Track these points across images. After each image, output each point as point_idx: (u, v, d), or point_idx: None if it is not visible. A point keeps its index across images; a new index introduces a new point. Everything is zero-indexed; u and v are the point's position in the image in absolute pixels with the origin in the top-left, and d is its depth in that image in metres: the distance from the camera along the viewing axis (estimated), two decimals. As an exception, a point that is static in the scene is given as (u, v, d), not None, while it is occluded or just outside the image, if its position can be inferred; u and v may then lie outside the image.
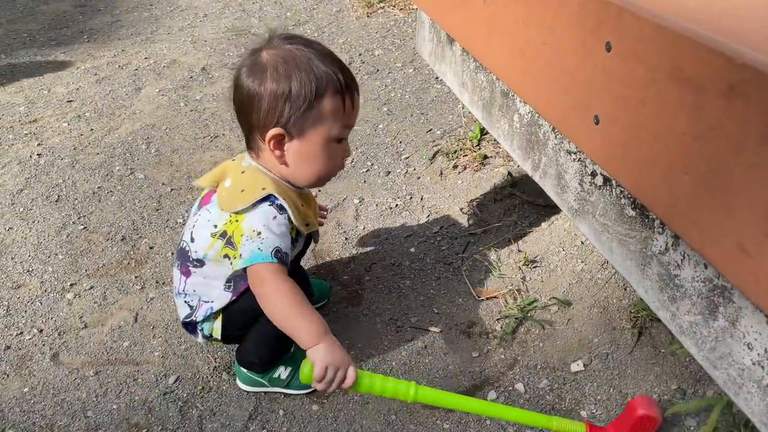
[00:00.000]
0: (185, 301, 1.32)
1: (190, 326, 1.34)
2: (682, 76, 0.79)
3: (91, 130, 2.62)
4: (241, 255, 1.13)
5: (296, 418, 1.35)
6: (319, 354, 1.05)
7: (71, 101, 2.91)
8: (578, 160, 1.14)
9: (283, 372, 1.38)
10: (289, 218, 1.17)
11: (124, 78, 3.15)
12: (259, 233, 1.12)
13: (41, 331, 1.58)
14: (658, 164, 0.86)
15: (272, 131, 1.13)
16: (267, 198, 1.16)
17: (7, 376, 1.46)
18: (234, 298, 1.25)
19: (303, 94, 1.11)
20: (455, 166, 2.19)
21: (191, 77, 3.13)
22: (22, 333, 1.58)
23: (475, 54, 1.49)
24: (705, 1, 0.91)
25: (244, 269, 1.14)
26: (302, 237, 1.30)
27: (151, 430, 1.33)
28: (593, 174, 1.09)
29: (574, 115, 1.06)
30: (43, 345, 1.54)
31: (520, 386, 1.40)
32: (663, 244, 0.93)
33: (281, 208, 1.16)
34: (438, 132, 2.47)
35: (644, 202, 0.92)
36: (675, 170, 0.83)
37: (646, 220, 0.96)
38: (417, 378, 1.44)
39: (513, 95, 1.37)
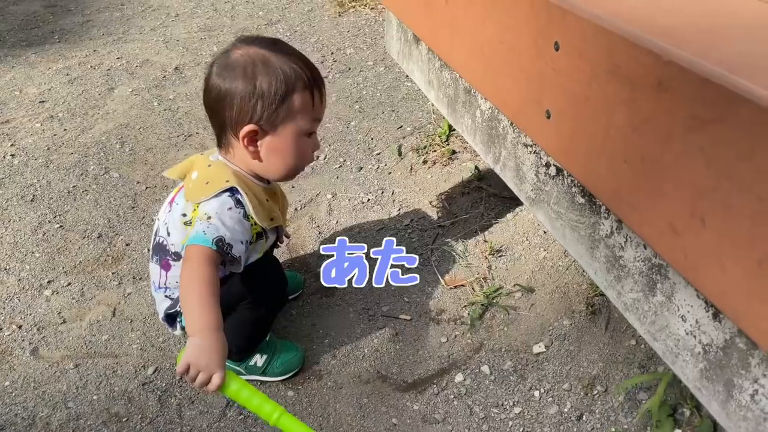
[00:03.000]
0: (166, 295, 1.37)
1: (170, 319, 1.39)
2: (620, 73, 0.86)
3: (65, 130, 2.63)
4: (188, 235, 1.17)
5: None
6: (189, 348, 1.04)
7: (43, 102, 2.91)
8: (534, 153, 1.21)
9: (258, 359, 1.43)
10: (246, 214, 1.21)
11: (96, 78, 3.16)
12: (209, 218, 1.16)
13: (20, 327, 1.61)
14: (602, 154, 0.94)
15: (246, 128, 1.17)
16: (229, 190, 1.20)
17: (-13, 371, 1.49)
18: None
19: (274, 92, 1.16)
20: (425, 162, 2.26)
21: (164, 77, 3.15)
22: (1, 329, 1.61)
23: (439, 53, 1.56)
24: (643, 2, 0.99)
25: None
26: (272, 231, 1.36)
27: (131, 418, 1.37)
28: (547, 165, 1.17)
29: (528, 110, 1.13)
30: (23, 340, 1.57)
31: (485, 368, 1.47)
32: (609, 228, 1.00)
33: (239, 203, 1.20)
34: (408, 128, 2.53)
35: (591, 190, 0.99)
36: (616, 160, 0.90)
37: (594, 207, 1.04)
38: (388, 364, 1.50)
39: (475, 92, 1.44)
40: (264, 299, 1.36)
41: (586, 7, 0.95)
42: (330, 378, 1.48)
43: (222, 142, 1.27)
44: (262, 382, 1.45)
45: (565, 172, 1.12)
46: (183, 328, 1.38)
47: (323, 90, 1.26)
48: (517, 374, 1.44)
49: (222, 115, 1.21)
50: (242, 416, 1.38)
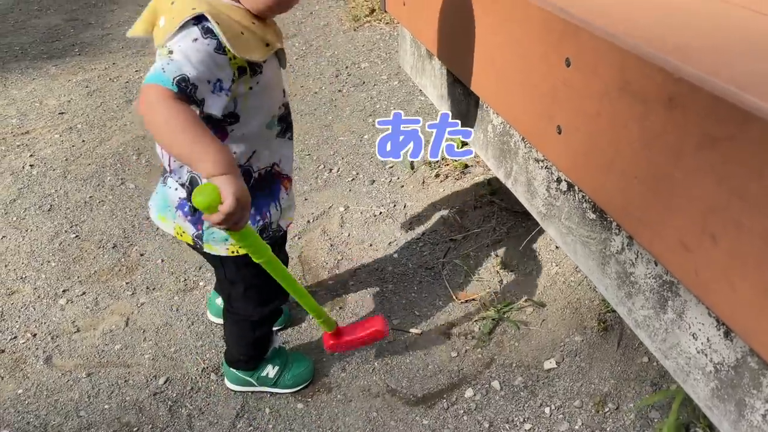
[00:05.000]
0: (176, 180, 1.17)
1: (182, 207, 1.20)
2: (631, 89, 0.86)
3: (83, 141, 2.68)
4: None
5: (282, 416, 1.41)
6: (230, 185, 0.89)
7: (63, 113, 2.96)
8: (545, 168, 1.21)
9: (271, 371, 1.44)
10: (220, 46, 0.97)
11: (115, 90, 3.21)
12: (171, 52, 0.94)
13: (35, 335, 1.63)
14: (613, 170, 0.94)
15: None
16: (195, 18, 0.96)
17: (2, 378, 1.51)
18: None
19: None
20: (437, 175, 2.26)
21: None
22: (16, 337, 1.63)
23: (451, 68, 1.57)
24: (655, 20, 0.99)
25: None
26: (271, 61, 1.11)
27: (141, 428, 1.38)
28: (558, 180, 1.17)
29: (540, 126, 1.14)
30: (37, 348, 1.59)
31: (496, 384, 1.46)
32: (620, 244, 1.00)
33: (208, 32, 0.96)
34: (421, 142, 2.54)
35: (602, 206, 0.99)
36: (627, 175, 0.90)
37: (605, 223, 1.03)
38: (398, 377, 1.50)
39: (487, 107, 1.45)
40: (266, 299, 1.32)
41: (599, 24, 0.95)
42: (340, 391, 1.48)
43: None
44: (271, 394, 1.45)
45: (576, 188, 1.11)
46: (192, 211, 1.19)
47: None
48: (528, 390, 1.43)
49: None
50: (251, 427, 1.38)
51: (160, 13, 1.03)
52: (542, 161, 1.22)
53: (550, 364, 1.48)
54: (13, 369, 1.53)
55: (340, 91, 3.11)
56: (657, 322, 0.93)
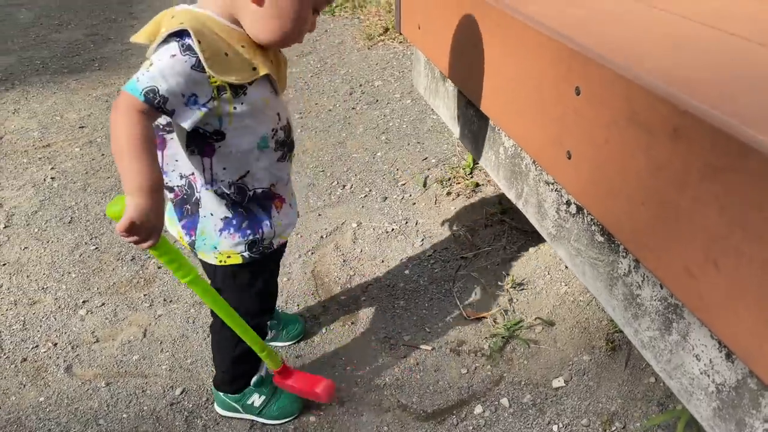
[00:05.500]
0: (166, 184, 1.21)
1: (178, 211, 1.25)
2: (638, 119, 0.90)
3: (102, 155, 2.74)
4: None
5: (294, 428, 1.44)
6: (132, 208, 0.94)
7: (83, 127, 3.04)
8: (555, 190, 1.25)
9: (257, 400, 1.44)
10: (199, 64, 0.98)
11: (133, 105, 3.27)
12: (151, 65, 0.97)
13: (55, 344, 1.68)
14: (620, 196, 0.97)
15: None
16: (177, 33, 0.99)
17: (24, 386, 1.55)
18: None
19: None
20: (449, 193, 2.30)
21: (198, 105, 3.26)
22: (37, 346, 1.67)
23: (466, 92, 1.61)
24: (663, 51, 1.03)
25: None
26: (261, 84, 1.10)
27: (158, 437, 1.42)
28: (568, 203, 1.20)
29: (550, 150, 1.18)
30: (57, 358, 1.64)
31: (505, 401, 1.49)
32: (627, 267, 1.03)
33: (188, 49, 0.97)
34: (433, 160, 2.58)
35: (610, 230, 1.02)
36: (634, 202, 0.94)
37: (613, 245, 1.07)
38: (409, 393, 1.53)
39: (498, 129, 1.49)
40: (251, 313, 1.31)
41: (608, 55, 0.99)
42: (351, 405, 1.51)
43: None
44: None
45: (585, 211, 1.15)
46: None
47: None
48: (536, 408, 1.46)
49: None
50: (265, 439, 1.42)
51: (162, 25, 1.05)
52: (552, 184, 1.26)
53: (558, 382, 1.50)
54: (35, 377, 1.58)
55: (353, 108, 3.17)
56: (662, 343, 0.96)
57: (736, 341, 0.76)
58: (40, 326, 1.74)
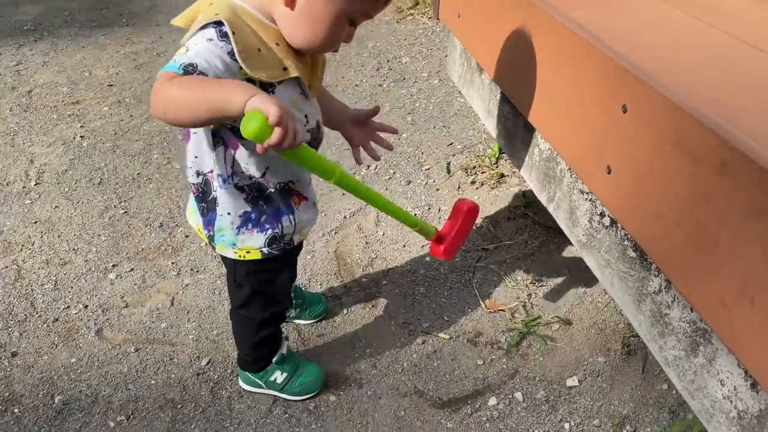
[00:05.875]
0: (189, 178, 1.22)
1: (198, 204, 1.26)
2: (685, 147, 0.92)
3: (131, 116, 2.76)
4: None
5: (315, 405, 1.50)
6: (266, 100, 0.84)
7: (111, 85, 3.05)
8: (589, 200, 1.27)
9: (279, 376, 1.49)
10: (232, 53, 0.96)
11: (161, 66, 3.28)
12: (187, 50, 0.95)
13: (86, 306, 1.73)
14: (658, 218, 0.99)
15: None
16: (215, 22, 0.97)
17: (56, 346, 1.61)
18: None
19: None
20: (473, 182, 2.32)
21: (226, 70, 3.27)
22: (68, 307, 1.73)
23: (503, 89, 1.62)
24: (715, 76, 1.04)
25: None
26: (290, 86, 1.09)
27: (185, 406, 1.48)
28: (602, 215, 1.23)
29: (589, 161, 1.19)
30: (88, 320, 1.69)
31: (519, 395, 1.54)
32: (657, 286, 1.06)
33: (225, 36, 0.96)
34: (458, 146, 2.60)
35: (644, 249, 1.05)
36: (672, 226, 0.96)
37: (645, 263, 1.09)
38: (425, 380, 1.58)
39: (535, 131, 1.50)
40: (269, 304, 1.36)
41: (657, 74, 1.00)
42: (370, 387, 1.56)
43: None
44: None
45: (619, 225, 1.17)
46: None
47: None
48: (549, 405, 1.50)
49: None
50: (287, 415, 1.47)
51: (200, 11, 1.04)
52: (587, 193, 1.28)
53: (572, 381, 1.55)
54: (67, 338, 1.63)
55: (380, 85, 3.17)
56: (687, 364, 0.99)
57: (763, 375, 0.79)
58: (71, 287, 1.80)
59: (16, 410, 1.44)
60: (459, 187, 2.31)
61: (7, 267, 1.85)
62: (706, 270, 0.89)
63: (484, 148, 2.55)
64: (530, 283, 1.85)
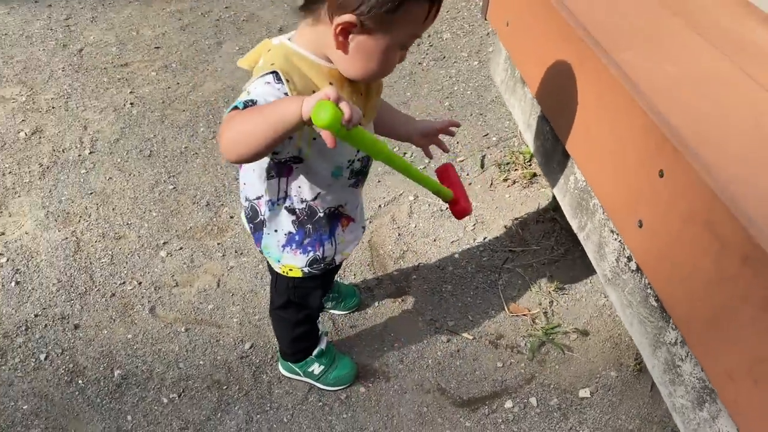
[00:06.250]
0: (243, 199, 1.34)
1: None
2: (714, 228, 1.00)
3: (178, 83, 2.85)
4: None
5: (346, 395, 1.65)
6: (317, 94, 0.89)
7: (158, 48, 3.13)
8: (619, 241, 1.36)
9: (316, 368, 1.63)
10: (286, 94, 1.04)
11: (206, 28, 3.34)
12: (248, 93, 1.03)
13: (140, 283, 1.88)
14: (683, 282, 1.09)
15: (345, 17, 1.01)
16: (271, 72, 1.04)
17: (114, 321, 1.77)
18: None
19: None
20: (505, 179, 2.40)
21: (268, 37, 3.31)
22: (124, 283, 1.88)
23: (544, 111, 1.68)
24: (757, 154, 1.10)
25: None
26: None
27: (230, 387, 1.63)
28: (629, 258, 1.32)
29: (622, 209, 1.28)
30: (142, 297, 1.84)
31: (533, 400, 1.67)
32: (674, 339, 1.16)
33: (280, 80, 1.03)
34: (494, 138, 2.66)
35: (665, 306, 1.15)
36: (694, 294, 1.05)
37: (664, 314, 1.19)
38: (448, 378, 1.71)
39: (573, 160, 1.57)
40: (303, 308, 1.49)
41: (696, 147, 1.07)
42: (396, 381, 1.70)
43: (312, 7, 1.07)
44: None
45: (644, 273, 1.26)
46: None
47: (440, 5, 1.09)
48: (561, 413, 1.64)
49: None
50: (321, 403, 1.62)
51: (261, 55, 1.12)
52: (617, 234, 1.36)
53: (584, 392, 1.67)
54: (123, 314, 1.79)
55: (420, 63, 3.20)
56: (692, 414, 1.11)
57: (758, 446, 0.90)
58: (126, 263, 1.94)
59: (80, 381, 1.61)
60: (491, 184, 2.39)
61: (66, 239, 1.99)
62: (720, 342, 0.98)
63: (519, 143, 2.61)
64: (553, 290, 1.95)
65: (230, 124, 0.98)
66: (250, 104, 1.00)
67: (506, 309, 1.91)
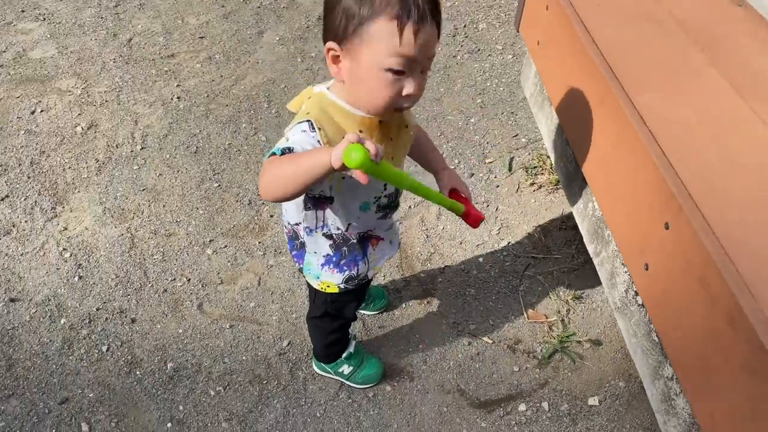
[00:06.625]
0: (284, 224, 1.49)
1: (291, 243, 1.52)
2: (707, 286, 1.11)
3: (221, 76, 2.98)
4: None
5: (373, 394, 1.82)
6: (343, 142, 0.96)
7: (202, 38, 3.25)
8: (628, 274, 1.47)
9: (346, 369, 1.80)
10: (319, 140, 1.13)
11: (248, 17, 3.45)
12: (287, 139, 1.13)
13: (189, 280, 2.06)
14: (679, 327, 1.20)
15: (327, 44, 1.11)
16: (306, 121, 1.14)
17: (166, 316, 1.95)
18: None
19: (357, 10, 1.05)
20: (532, 184, 2.49)
21: (308, 27, 3.41)
22: (174, 279, 2.06)
23: (568, 137, 1.77)
24: (755, 207, 1.19)
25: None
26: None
27: (269, 382, 1.81)
28: (637, 293, 1.43)
29: (631, 249, 1.38)
30: (191, 293, 2.02)
31: (545, 404, 1.81)
32: (670, 374, 1.28)
33: (314, 128, 1.14)
34: (523, 139, 2.74)
35: (663, 343, 1.27)
36: (686, 340, 1.17)
37: (663, 351, 1.31)
38: (467, 380, 1.87)
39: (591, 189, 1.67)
40: (337, 318, 1.64)
41: (701, 203, 1.17)
42: (420, 381, 1.86)
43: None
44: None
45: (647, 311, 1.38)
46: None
47: (424, 26, 1.06)
48: (570, 418, 1.78)
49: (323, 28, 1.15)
50: (350, 400, 1.80)
51: (303, 102, 1.23)
52: (627, 268, 1.47)
53: (593, 401, 1.81)
54: (174, 309, 1.97)
55: (454, 57, 3.26)
56: (681, 443, 1.24)
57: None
58: (176, 260, 2.12)
59: (137, 372, 1.81)
60: (518, 188, 2.49)
61: (122, 235, 2.18)
62: (705, 386, 1.11)
63: (547, 145, 2.68)
64: (571, 298, 2.07)
65: (268, 168, 1.09)
66: (287, 151, 1.11)
67: (525, 315, 2.05)
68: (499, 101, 2.97)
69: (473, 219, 1.52)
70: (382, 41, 1.06)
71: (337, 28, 1.09)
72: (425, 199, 1.34)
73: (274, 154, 1.12)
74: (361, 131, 1.20)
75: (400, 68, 1.08)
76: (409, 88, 1.11)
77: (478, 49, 3.33)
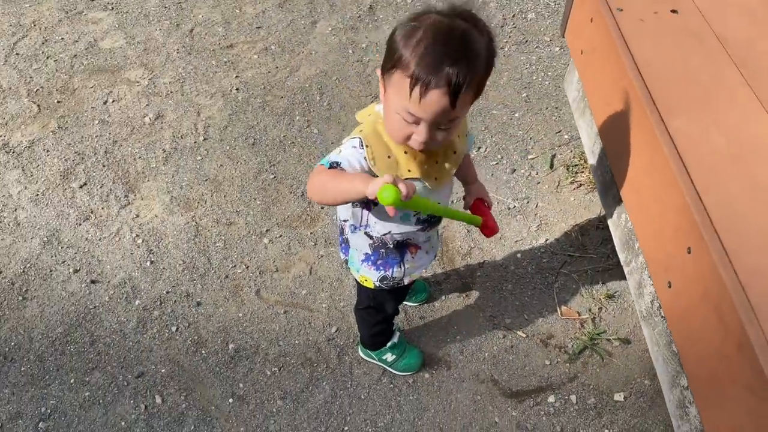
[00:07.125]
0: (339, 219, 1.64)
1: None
2: (720, 314, 1.22)
3: (276, 67, 3.14)
4: None
5: (413, 380, 1.98)
6: (378, 179, 1.10)
7: (259, 28, 3.40)
8: (654, 287, 1.58)
9: (389, 357, 1.96)
10: (366, 157, 1.26)
11: (302, 5, 3.57)
12: (340, 151, 1.29)
13: (247, 267, 2.25)
14: (694, 344, 1.32)
15: (377, 70, 1.25)
16: (356, 137, 1.29)
17: (227, 300, 2.16)
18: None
19: (396, 52, 1.14)
20: (572, 182, 2.58)
21: (359, 16, 3.51)
22: (235, 266, 2.26)
23: (605, 149, 1.86)
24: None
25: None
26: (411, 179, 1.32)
27: (319, 365, 2.00)
28: (660, 306, 1.54)
29: (657, 265, 1.49)
30: (249, 280, 2.22)
31: (573, 397, 1.95)
32: (686, 384, 1.40)
33: (363, 145, 1.27)
34: (566, 136, 2.81)
35: (680, 356, 1.38)
36: (700, 358, 1.28)
37: (681, 363, 1.43)
38: (501, 371, 2.02)
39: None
40: (379, 312, 1.79)
41: (721, 232, 1.27)
42: (456, 370, 2.02)
43: None
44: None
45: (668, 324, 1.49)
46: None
47: (433, 94, 1.12)
48: (596, 411, 1.91)
49: None
50: (392, 385, 1.97)
51: (366, 114, 1.37)
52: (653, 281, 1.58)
53: (619, 396, 1.94)
54: (234, 294, 2.17)
55: (502, 48, 3.32)
56: (692, 448, 1.36)
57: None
58: (236, 248, 2.31)
59: (203, 352, 2.02)
60: (558, 185, 2.59)
61: (188, 223, 2.38)
62: (715, 401, 1.23)
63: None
64: (603, 297, 2.19)
65: (316, 176, 1.26)
66: (335, 165, 1.26)
67: (559, 311, 2.17)
68: (544, 95, 3.04)
69: (489, 231, 1.68)
70: (398, 90, 1.16)
71: (386, 58, 1.20)
72: (451, 219, 1.51)
73: (323, 164, 1.29)
74: (405, 152, 1.31)
75: (408, 120, 1.19)
76: (417, 136, 1.21)
77: (526, 41, 3.38)
